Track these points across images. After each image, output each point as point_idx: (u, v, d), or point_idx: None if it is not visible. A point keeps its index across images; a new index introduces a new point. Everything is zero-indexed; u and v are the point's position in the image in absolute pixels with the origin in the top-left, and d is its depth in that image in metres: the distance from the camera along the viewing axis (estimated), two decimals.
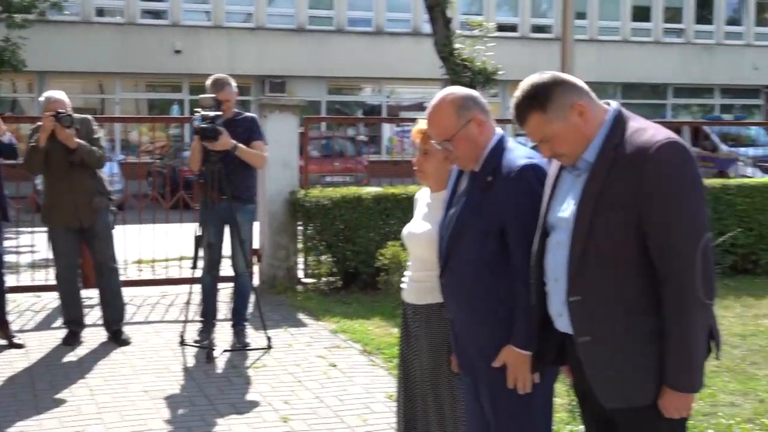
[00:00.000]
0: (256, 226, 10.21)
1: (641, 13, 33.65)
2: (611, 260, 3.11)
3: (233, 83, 7.81)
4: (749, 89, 35.48)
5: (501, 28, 26.27)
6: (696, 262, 3.03)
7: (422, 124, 4.00)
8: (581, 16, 31.39)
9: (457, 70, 14.38)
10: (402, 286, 4.23)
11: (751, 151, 17.29)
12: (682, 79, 33.76)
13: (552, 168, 3.43)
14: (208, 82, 7.75)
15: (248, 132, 7.73)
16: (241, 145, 7.54)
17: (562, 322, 3.29)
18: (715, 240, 10.04)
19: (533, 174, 3.55)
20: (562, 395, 6.01)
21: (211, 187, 7.49)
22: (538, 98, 3.18)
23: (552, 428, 3.81)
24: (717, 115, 31.54)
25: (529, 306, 3.44)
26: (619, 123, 3.18)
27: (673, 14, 34.01)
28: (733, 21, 34.91)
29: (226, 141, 7.40)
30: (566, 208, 3.24)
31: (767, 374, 6.90)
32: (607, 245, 3.11)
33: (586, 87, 3.25)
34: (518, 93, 3.23)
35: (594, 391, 3.25)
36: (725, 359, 7.25)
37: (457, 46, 14.85)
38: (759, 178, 11.92)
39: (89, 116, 7.94)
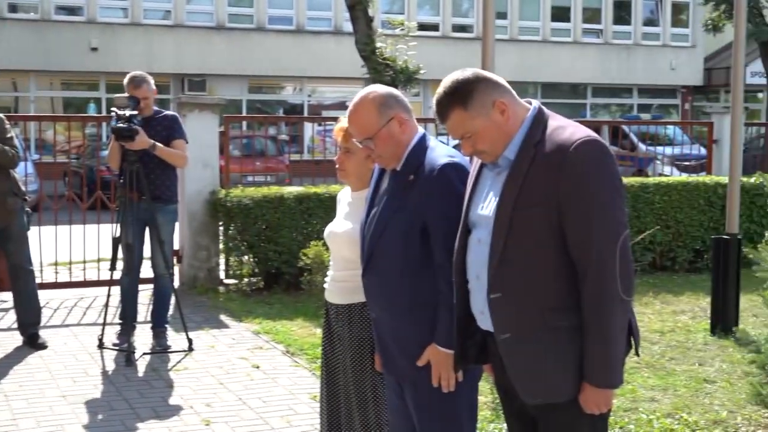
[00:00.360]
0: (177, 227, 10.08)
1: (560, 14, 34.06)
2: (531, 257, 3.12)
3: (151, 81, 7.68)
4: (666, 89, 36.18)
5: (422, 27, 26.37)
6: (614, 259, 3.06)
7: (344, 122, 3.97)
8: (502, 16, 31.68)
9: (378, 69, 14.40)
10: (325, 286, 4.20)
11: (668, 150, 17.60)
12: (600, 79, 34.28)
13: (473, 166, 3.44)
14: (126, 79, 7.61)
15: (169, 131, 7.61)
16: (159, 144, 7.43)
17: (485, 321, 3.29)
18: (634, 238, 10.26)
19: (454, 172, 3.55)
20: (486, 393, 6.04)
21: (130, 187, 7.37)
22: (460, 95, 3.17)
23: (476, 427, 3.82)
24: (635, 114, 32.07)
25: (453, 305, 3.43)
26: (539, 121, 3.20)
27: (591, 15, 34.51)
28: (650, 22, 35.56)
29: (143, 140, 7.27)
30: (487, 206, 3.24)
31: (686, 370, 7.02)
32: (526, 242, 3.12)
33: (507, 85, 3.25)
34: (440, 89, 3.22)
35: (515, 387, 3.26)
36: (645, 355, 7.36)
37: (378, 45, 14.87)
38: (676, 176, 12.12)
39: (1, 115, 7.74)
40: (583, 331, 3.10)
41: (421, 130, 3.74)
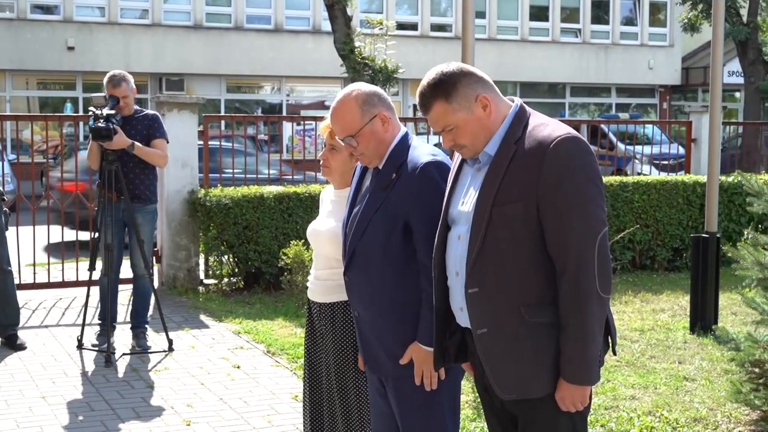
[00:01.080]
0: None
1: (539, 13, 34.11)
2: (509, 253, 3.13)
3: (131, 79, 7.64)
4: (644, 88, 36.31)
5: (401, 26, 26.38)
6: (593, 256, 3.07)
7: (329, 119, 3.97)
8: (480, 15, 31.69)
9: (357, 69, 14.38)
10: (308, 284, 4.19)
11: (647, 150, 17.66)
12: (579, 79, 34.35)
13: (454, 162, 3.44)
14: (105, 78, 7.57)
15: (149, 130, 7.58)
16: (138, 144, 7.39)
17: (463, 317, 3.29)
18: (613, 236, 10.29)
19: (437, 171, 3.56)
20: (468, 392, 6.05)
21: (108, 187, 7.32)
22: (443, 87, 3.18)
23: (459, 425, 3.82)
24: (614, 113, 32.16)
25: (434, 302, 3.42)
26: (520, 119, 3.21)
27: (569, 14, 34.58)
28: (628, 21, 35.68)
29: (121, 140, 7.24)
30: (467, 201, 3.25)
31: (665, 368, 7.05)
32: (505, 237, 3.12)
33: (491, 81, 3.26)
34: (424, 81, 3.22)
35: (491, 383, 3.26)
36: (625, 354, 7.39)
37: (357, 44, 14.85)
38: (655, 175, 12.18)
39: None
40: (560, 327, 3.11)
41: (403, 128, 3.75)
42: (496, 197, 3.12)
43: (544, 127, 3.15)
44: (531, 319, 3.13)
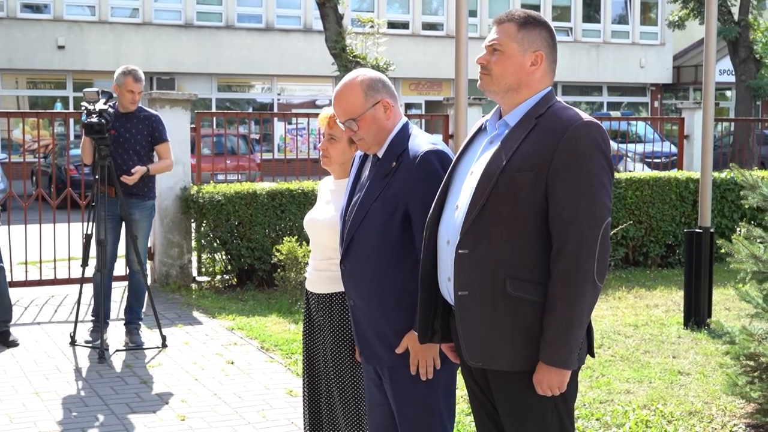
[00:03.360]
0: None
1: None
2: (507, 222, 3.11)
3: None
4: (636, 87, 36.40)
5: (392, 25, 26.38)
6: (596, 240, 3.06)
7: (328, 110, 3.99)
8: (472, 14, 31.67)
9: (349, 67, 14.36)
10: (305, 275, 4.17)
11: (638, 148, 17.65)
12: (570, 77, 34.39)
13: (469, 132, 3.44)
14: (123, 71, 7.51)
15: (152, 132, 7.59)
16: (151, 166, 7.48)
17: (449, 289, 3.25)
18: None
19: (437, 160, 3.56)
20: (462, 386, 6.03)
21: (102, 182, 7.30)
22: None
23: (455, 414, 3.81)
24: (605, 112, 32.20)
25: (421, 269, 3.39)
26: (547, 100, 3.22)
27: (561, 13, 34.64)
28: (620, 20, 35.75)
29: (136, 175, 7.35)
30: (476, 170, 3.22)
31: (660, 362, 7.05)
32: (506, 207, 3.10)
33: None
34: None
35: (461, 347, 3.23)
36: (620, 349, 7.40)
37: (348, 42, 14.85)
38: (647, 172, 12.19)
39: None
40: (548, 308, 3.08)
41: (404, 118, 3.75)
42: (507, 164, 3.11)
43: (570, 110, 3.18)
44: (514, 293, 3.11)
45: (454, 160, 3.40)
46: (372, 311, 3.65)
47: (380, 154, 3.66)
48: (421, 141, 3.63)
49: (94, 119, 7.13)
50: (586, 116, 3.14)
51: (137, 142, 7.53)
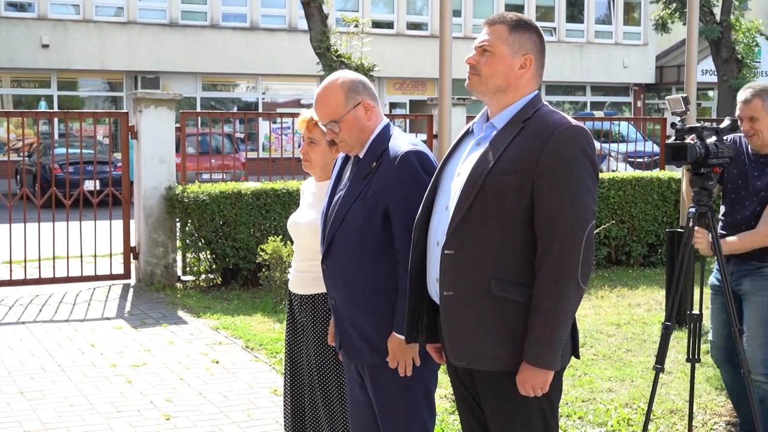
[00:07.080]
0: (132, 224, 10.01)
1: (514, 12, 34.22)
2: (493, 224, 3.15)
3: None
4: (619, 87, 36.53)
5: (377, 24, 26.41)
6: (581, 243, 3.11)
7: (307, 113, 4.01)
8: (456, 13, 31.74)
9: (333, 67, 14.38)
10: (288, 276, 4.20)
11: (621, 147, 17.73)
12: (554, 77, 34.46)
13: (458, 135, 3.47)
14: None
15: None
16: None
17: (437, 289, 3.28)
18: None
19: (417, 160, 3.59)
20: (447, 385, 6.07)
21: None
22: None
23: (435, 413, 3.83)
24: (589, 112, 32.29)
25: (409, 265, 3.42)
26: (534, 103, 3.27)
27: (544, 13, 34.72)
28: (603, 20, 35.88)
29: None
30: (462, 172, 3.26)
31: (641, 361, 7.11)
32: (492, 209, 3.14)
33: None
34: None
35: (445, 347, 3.27)
36: (602, 347, 7.45)
37: (333, 42, 14.87)
38: (630, 172, 12.26)
39: None
40: (532, 309, 3.12)
41: (385, 119, 3.78)
42: (493, 166, 3.15)
43: (556, 114, 3.23)
44: (498, 293, 3.15)
45: (441, 162, 3.44)
46: (353, 310, 3.68)
47: (361, 155, 3.69)
48: (402, 141, 3.66)
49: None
50: (572, 121, 3.19)
51: None
